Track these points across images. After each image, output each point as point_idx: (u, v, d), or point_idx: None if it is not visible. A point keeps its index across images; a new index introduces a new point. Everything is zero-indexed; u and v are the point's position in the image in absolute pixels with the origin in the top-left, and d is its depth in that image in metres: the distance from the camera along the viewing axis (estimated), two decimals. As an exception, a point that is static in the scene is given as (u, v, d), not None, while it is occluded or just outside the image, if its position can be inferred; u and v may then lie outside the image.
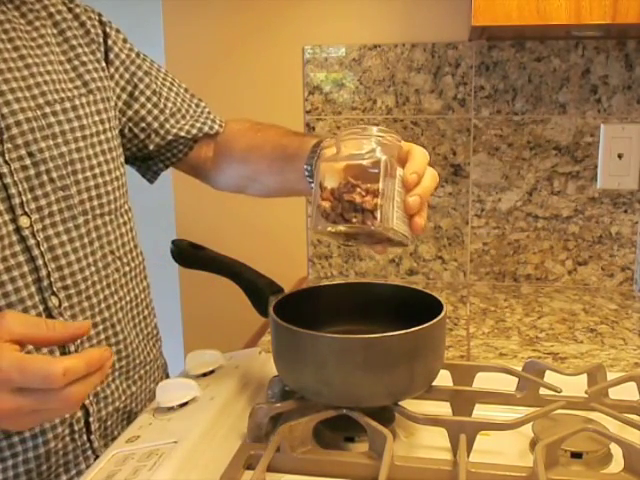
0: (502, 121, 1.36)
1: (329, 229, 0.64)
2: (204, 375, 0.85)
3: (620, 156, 1.34)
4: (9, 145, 0.71)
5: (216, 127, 0.98)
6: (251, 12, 1.44)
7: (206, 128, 0.96)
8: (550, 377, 0.78)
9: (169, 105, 0.94)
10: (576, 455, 0.67)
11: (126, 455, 0.68)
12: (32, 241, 0.72)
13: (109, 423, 0.82)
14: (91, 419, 0.78)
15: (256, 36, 1.45)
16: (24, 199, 0.72)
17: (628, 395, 0.78)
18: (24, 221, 0.72)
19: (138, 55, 0.92)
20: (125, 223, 0.86)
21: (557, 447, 0.65)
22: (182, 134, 0.94)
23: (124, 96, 0.89)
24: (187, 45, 1.49)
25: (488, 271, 1.44)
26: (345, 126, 1.41)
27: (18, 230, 0.71)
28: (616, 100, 1.32)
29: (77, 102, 0.80)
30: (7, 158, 0.71)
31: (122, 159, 0.88)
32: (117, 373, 0.84)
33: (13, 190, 0.71)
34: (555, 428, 0.69)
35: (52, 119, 0.76)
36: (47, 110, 0.76)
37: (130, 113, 0.90)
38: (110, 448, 0.71)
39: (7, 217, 0.71)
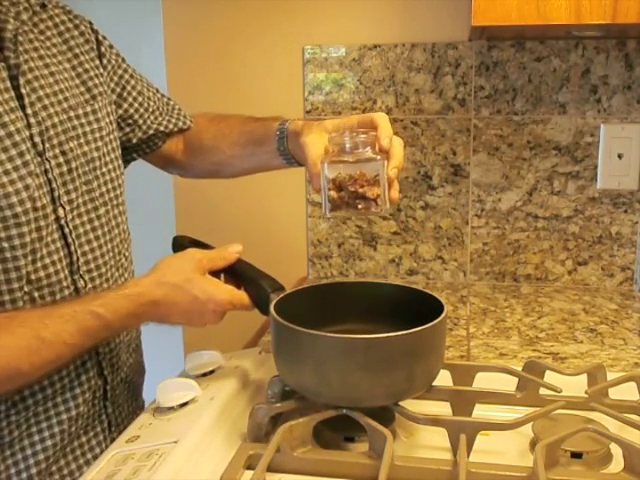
0: (502, 121, 1.36)
1: (342, 214, 0.78)
2: (204, 375, 0.85)
3: (620, 156, 1.34)
4: (48, 145, 0.80)
5: (188, 122, 1.09)
6: (251, 12, 1.44)
7: (180, 124, 1.07)
8: (550, 377, 0.78)
9: (151, 104, 1.03)
10: (576, 455, 0.67)
11: (126, 455, 0.68)
12: (67, 229, 0.82)
13: (117, 392, 0.91)
14: (108, 387, 0.89)
15: (256, 36, 1.45)
16: (60, 192, 0.81)
17: (628, 395, 0.78)
18: (61, 212, 0.82)
19: (123, 60, 1.00)
20: (125, 211, 0.95)
21: (557, 447, 0.65)
22: (161, 129, 1.04)
23: (114, 97, 0.98)
24: (187, 45, 1.49)
25: (488, 271, 1.44)
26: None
27: (57, 219, 0.81)
28: (616, 100, 1.32)
29: (96, 106, 0.88)
30: (47, 156, 0.80)
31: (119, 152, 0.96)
32: (123, 346, 0.93)
33: (54, 184, 0.81)
34: (555, 428, 0.69)
35: (76, 122, 0.85)
36: (72, 114, 0.85)
37: (120, 112, 0.99)
38: (110, 448, 0.71)
39: (51, 208, 0.80)
